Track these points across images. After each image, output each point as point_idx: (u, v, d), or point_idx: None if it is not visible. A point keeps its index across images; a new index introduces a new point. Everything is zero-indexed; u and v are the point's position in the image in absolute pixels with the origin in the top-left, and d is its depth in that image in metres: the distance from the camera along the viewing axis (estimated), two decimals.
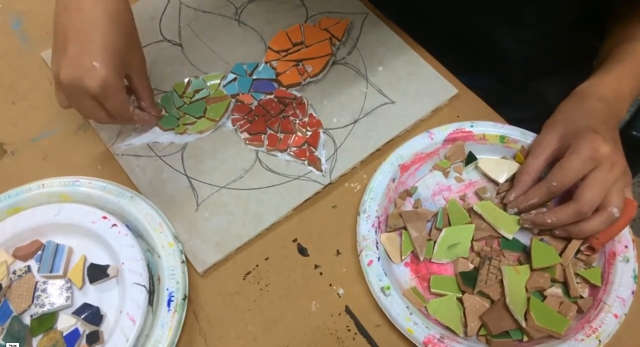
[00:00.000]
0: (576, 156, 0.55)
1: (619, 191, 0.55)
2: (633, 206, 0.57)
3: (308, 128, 0.67)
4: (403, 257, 0.58)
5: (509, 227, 0.58)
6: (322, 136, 0.67)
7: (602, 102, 0.59)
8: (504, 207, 0.60)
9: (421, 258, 0.58)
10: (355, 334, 0.56)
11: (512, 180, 0.62)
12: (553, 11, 0.68)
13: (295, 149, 0.65)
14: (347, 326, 0.57)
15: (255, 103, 0.68)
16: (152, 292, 0.56)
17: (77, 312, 0.55)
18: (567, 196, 0.58)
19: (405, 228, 0.59)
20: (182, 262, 0.58)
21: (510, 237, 0.58)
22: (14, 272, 0.57)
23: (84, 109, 0.57)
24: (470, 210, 0.60)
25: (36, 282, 0.56)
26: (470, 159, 0.64)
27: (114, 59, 0.54)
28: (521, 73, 0.77)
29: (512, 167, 0.62)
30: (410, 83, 0.70)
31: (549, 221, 0.56)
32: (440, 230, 0.59)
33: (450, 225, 0.59)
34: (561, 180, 0.56)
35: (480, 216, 0.59)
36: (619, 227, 0.56)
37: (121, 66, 0.56)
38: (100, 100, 0.55)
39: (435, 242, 0.59)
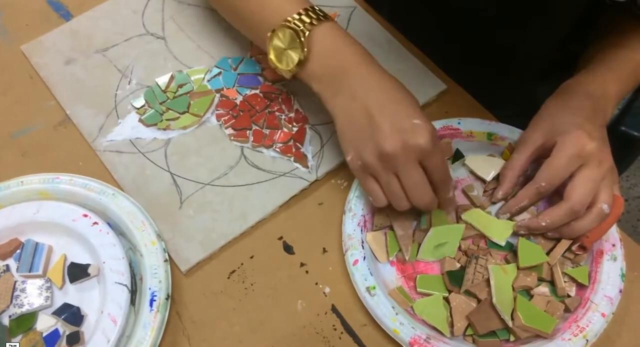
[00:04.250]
0: (563, 154, 0.55)
1: (607, 188, 0.55)
2: (620, 202, 0.57)
3: (294, 124, 0.66)
4: (390, 258, 0.58)
5: (500, 233, 0.58)
6: (309, 132, 0.66)
7: (589, 99, 0.59)
8: (492, 202, 0.60)
9: (406, 257, 0.57)
10: (342, 333, 0.56)
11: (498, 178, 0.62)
12: (559, 11, 0.67)
13: (281, 145, 0.64)
14: (334, 325, 0.56)
15: (240, 98, 0.67)
16: (134, 292, 0.55)
17: (57, 313, 0.54)
18: (554, 195, 0.57)
19: (391, 227, 0.58)
20: (165, 261, 0.56)
21: (502, 243, 0.58)
22: None
23: (413, 180, 0.53)
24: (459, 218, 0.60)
25: (15, 282, 0.55)
26: (457, 156, 0.63)
27: (422, 112, 0.53)
28: (518, 69, 0.77)
29: (499, 164, 0.62)
30: (399, 78, 0.67)
31: (543, 224, 0.55)
32: (424, 231, 0.58)
33: (431, 226, 0.58)
34: (549, 180, 0.55)
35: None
36: (608, 224, 0.56)
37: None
38: (427, 160, 0.52)
39: (420, 243, 0.58)
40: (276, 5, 0.57)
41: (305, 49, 0.54)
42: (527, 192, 0.57)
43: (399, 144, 0.51)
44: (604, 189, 0.55)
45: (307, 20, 0.55)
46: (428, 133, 0.51)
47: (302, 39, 0.54)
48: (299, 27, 0.54)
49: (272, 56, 0.57)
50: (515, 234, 0.58)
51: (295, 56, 0.55)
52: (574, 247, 0.57)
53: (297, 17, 0.55)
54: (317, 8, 0.57)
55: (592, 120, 0.57)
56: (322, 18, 0.56)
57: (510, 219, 0.59)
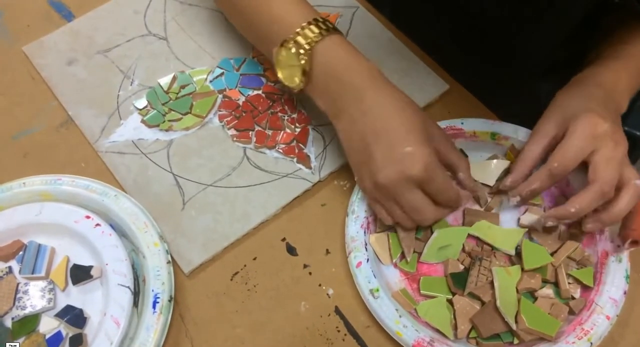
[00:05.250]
0: (576, 135, 0.53)
1: (630, 167, 0.53)
2: None
3: (297, 124, 0.66)
4: (394, 259, 0.57)
5: (508, 243, 0.57)
6: (311, 133, 0.65)
7: (600, 88, 0.57)
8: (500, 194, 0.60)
9: (408, 259, 0.57)
10: (345, 335, 0.56)
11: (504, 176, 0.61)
12: (563, 10, 0.67)
13: (283, 146, 0.64)
14: (337, 327, 0.56)
15: (243, 99, 0.67)
16: (136, 294, 0.55)
17: (60, 315, 0.54)
18: (560, 196, 0.57)
19: (394, 229, 0.58)
20: (168, 262, 0.56)
21: (512, 253, 0.57)
22: None
23: (413, 206, 0.53)
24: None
25: (17, 284, 0.55)
26: None
27: (420, 137, 0.52)
28: (522, 68, 0.76)
29: (500, 165, 0.61)
30: (402, 78, 0.69)
31: (572, 210, 0.52)
32: (422, 240, 0.58)
33: (432, 233, 0.58)
34: (562, 160, 0.53)
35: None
36: None
37: (428, 141, 0.52)
38: (424, 186, 0.52)
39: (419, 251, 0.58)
40: (281, 19, 0.56)
41: (308, 68, 0.54)
42: (539, 174, 0.55)
43: (391, 176, 0.51)
44: (628, 168, 0.53)
45: (311, 34, 0.54)
46: (421, 161, 0.50)
47: (305, 56, 0.54)
48: (303, 42, 0.54)
49: (279, 72, 0.57)
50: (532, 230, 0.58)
51: (299, 73, 0.55)
52: (626, 245, 0.55)
53: (301, 30, 0.54)
54: (321, 19, 0.56)
55: (604, 106, 0.55)
56: (326, 31, 0.55)
57: (521, 203, 0.58)
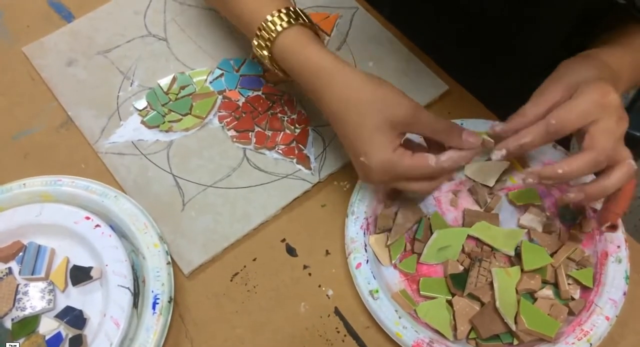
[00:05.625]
0: (584, 98, 0.49)
1: (626, 148, 0.50)
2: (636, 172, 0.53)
3: (296, 125, 0.66)
4: (393, 260, 0.57)
5: (508, 244, 0.57)
6: (311, 133, 0.65)
7: (607, 67, 0.55)
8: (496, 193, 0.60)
9: (388, 242, 0.58)
10: (345, 335, 0.56)
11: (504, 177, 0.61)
12: (563, 9, 0.67)
13: (283, 146, 0.64)
14: (337, 328, 0.56)
15: (243, 100, 0.67)
16: (136, 295, 0.55)
17: (60, 316, 0.54)
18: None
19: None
20: (168, 263, 0.56)
21: (512, 253, 0.57)
22: None
23: (397, 190, 0.58)
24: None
25: (17, 285, 0.55)
26: None
27: (374, 138, 0.51)
28: (521, 68, 0.76)
29: (499, 166, 0.61)
30: (401, 79, 0.69)
31: (559, 171, 0.48)
32: (421, 241, 0.58)
33: (431, 234, 0.58)
34: (562, 119, 0.49)
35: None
36: (629, 194, 0.52)
37: (386, 132, 0.51)
38: (394, 181, 0.53)
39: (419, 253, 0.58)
40: (252, 9, 0.57)
41: (270, 55, 0.57)
42: (533, 128, 0.50)
43: (361, 176, 0.55)
44: (624, 147, 0.50)
45: (273, 27, 0.55)
46: (373, 171, 0.52)
47: (267, 50, 0.57)
48: (266, 35, 0.56)
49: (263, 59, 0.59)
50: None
51: (273, 63, 0.58)
52: (603, 228, 0.54)
53: (269, 19, 0.55)
54: (292, 9, 0.56)
55: (612, 82, 0.52)
56: (294, 21, 0.55)
57: (505, 158, 0.52)
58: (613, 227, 0.55)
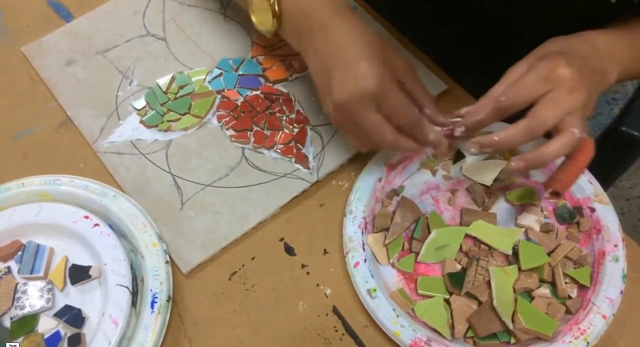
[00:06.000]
0: (531, 74, 0.51)
1: (578, 118, 0.51)
2: (591, 145, 0.53)
3: (295, 125, 0.66)
4: (391, 260, 0.58)
5: (505, 243, 0.57)
6: (310, 133, 0.66)
7: (590, 46, 0.56)
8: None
9: (385, 242, 0.58)
10: (343, 334, 0.56)
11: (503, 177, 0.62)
12: (563, 6, 0.67)
13: (282, 146, 0.64)
14: (335, 327, 0.56)
15: (241, 99, 0.67)
16: (135, 294, 0.55)
17: (59, 315, 0.54)
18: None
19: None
20: (166, 262, 0.57)
21: (509, 252, 0.57)
22: None
23: (370, 127, 0.53)
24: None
25: (16, 284, 0.55)
26: (459, 156, 0.63)
27: (375, 54, 0.52)
28: None
29: (497, 165, 0.61)
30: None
31: (496, 138, 0.51)
32: (419, 240, 0.58)
33: (429, 233, 0.58)
34: (511, 96, 0.51)
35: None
36: (579, 167, 0.53)
37: (388, 65, 0.52)
38: (380, 104, 0.52)
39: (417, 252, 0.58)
40: None
41: (277, 8, 0.56)
42: (485, 105, 0.53)
43: (345, 92, 0.51)
44: (574, 117, 0.50)
45: None
46: (374, 76, 0.50)
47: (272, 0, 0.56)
48: None
49: (253, 17, 0.59)
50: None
51: (270, 16, 0.57)
52: (546, 195, 0.54)
53: None
54: None
55: (582, 60, 0.53)
56: None
57: (466, 134, 0.55)
58: (556, 195, 0.55)
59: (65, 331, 0.54)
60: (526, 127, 0.50)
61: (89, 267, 0.56)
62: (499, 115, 0.52)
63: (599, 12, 0.68)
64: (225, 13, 0.75)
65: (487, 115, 0.52)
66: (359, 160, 0.64)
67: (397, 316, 0.53)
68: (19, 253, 0.57)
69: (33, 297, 0.55)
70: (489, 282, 0.55)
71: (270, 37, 0.61)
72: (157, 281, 0.55)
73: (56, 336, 0.53)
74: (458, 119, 0.56)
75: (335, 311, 0.57)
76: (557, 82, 0.50)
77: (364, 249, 0.57)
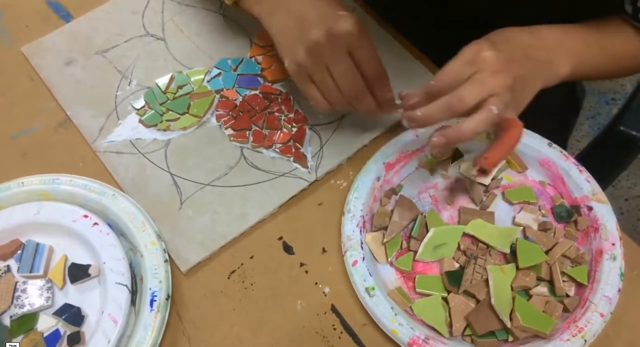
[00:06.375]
0: (457, 58, 0.53)
1: (501, 99, 0.51)
2: (520, 125, 0.54)
3: (293, 124, 0.66)
4: (389, 258, 0.58)
5: (503, 242, 0.58)
6: (308, 132, 0.66)
7: (533, 36, 0.57)
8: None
9: (384, 240, 0.58)
10: (341, 333, 0.56)
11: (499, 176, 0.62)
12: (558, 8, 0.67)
13: (280, 145, 0.65)
14: (333, 325, 0.56)
15: (240, 99, 0.67)
16: (134, 292, 0.55)
17: (58, 313, 0.54)
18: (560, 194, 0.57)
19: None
20: (165, 261, 0.57)
21: (507, 251, 0.57)
22: None
23: (341, 71, 0.55)
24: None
25: (16, 283, 0.55)
26: (457, 156, 0.63)
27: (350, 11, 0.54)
28: None
29: None
30: (398, 77, 0.68)
31: (418, 113, 0.52)
32: (417, 239, 0.58)
33: (427, 232, 0.58)
34: (438, 79, 0.52)
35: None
36: (507, 145, 0.53)
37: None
38: (354, 51, 0.54)
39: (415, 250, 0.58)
40: None
41: None
42: (418, 89, 0.54)
43: (323, 32, 0.53)
44: (497, 98, 0.51)
45: None
46: (353, 21, 0.53)
47: None
48: None
49: None
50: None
51: None
52: (474, 171, 0.56)
53: None
54: None
55: (522, 49, 0.55)
56: None
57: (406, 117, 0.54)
58: (483, 172, 0.56)
59: (65, 329, 0.54)
60: (445, 103, 0.51)
61: (89, 265, 0.56)
62: (431, 99, 0.52)
63: (598, 13, 0.69)
64: (224, 13, 0.75)
65: (421, 100, 0.54)
66: (357, 160, 0.64)
67: (395, 314, 0.53)
68: (19, 252, 0.57)
69: (32, 295, 0.55)
70: (486, 281, 0.55)
71: (229, 5, 0.61)
72: (156, 280, 0.55)
73: (55, 335, 0.53)
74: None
75: (333, 309, 0.57)
76: (482, 64, 0.52)
77: (362, 247, 0.57)
